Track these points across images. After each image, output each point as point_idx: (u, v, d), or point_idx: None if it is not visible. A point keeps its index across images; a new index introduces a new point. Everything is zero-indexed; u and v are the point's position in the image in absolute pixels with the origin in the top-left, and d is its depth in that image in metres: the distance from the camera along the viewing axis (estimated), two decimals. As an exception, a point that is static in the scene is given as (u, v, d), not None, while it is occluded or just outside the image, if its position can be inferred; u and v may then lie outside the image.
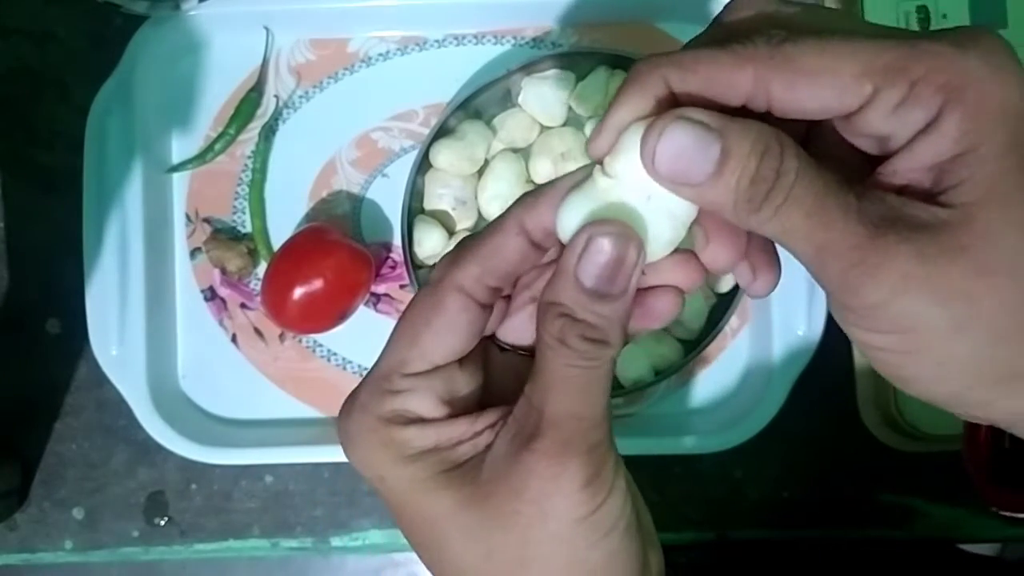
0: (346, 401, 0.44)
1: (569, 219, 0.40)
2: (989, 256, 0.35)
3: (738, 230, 0.41)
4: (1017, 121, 0.36)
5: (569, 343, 0.40)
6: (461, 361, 0.44)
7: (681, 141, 0.37)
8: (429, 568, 0.45)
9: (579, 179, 0.41)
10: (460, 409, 0.44)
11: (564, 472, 0.40)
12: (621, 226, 0.39)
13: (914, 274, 0.35)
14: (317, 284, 0.76)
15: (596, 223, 0.39)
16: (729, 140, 0.36)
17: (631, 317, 0.41)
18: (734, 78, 0.37)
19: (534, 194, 0.43)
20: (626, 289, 0.40)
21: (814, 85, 0.37)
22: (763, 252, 0.43)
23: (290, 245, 0.79)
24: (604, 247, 0.39)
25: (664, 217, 0.40)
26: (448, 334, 0.43)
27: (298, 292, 0.76)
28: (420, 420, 0.43)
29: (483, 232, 0.43)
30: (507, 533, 0.41)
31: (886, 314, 0.36)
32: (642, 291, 0.43)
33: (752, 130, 0.37)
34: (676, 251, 0.41)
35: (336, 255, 0.78)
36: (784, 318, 0.77)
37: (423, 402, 0.43)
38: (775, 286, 0.44)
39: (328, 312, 0.79)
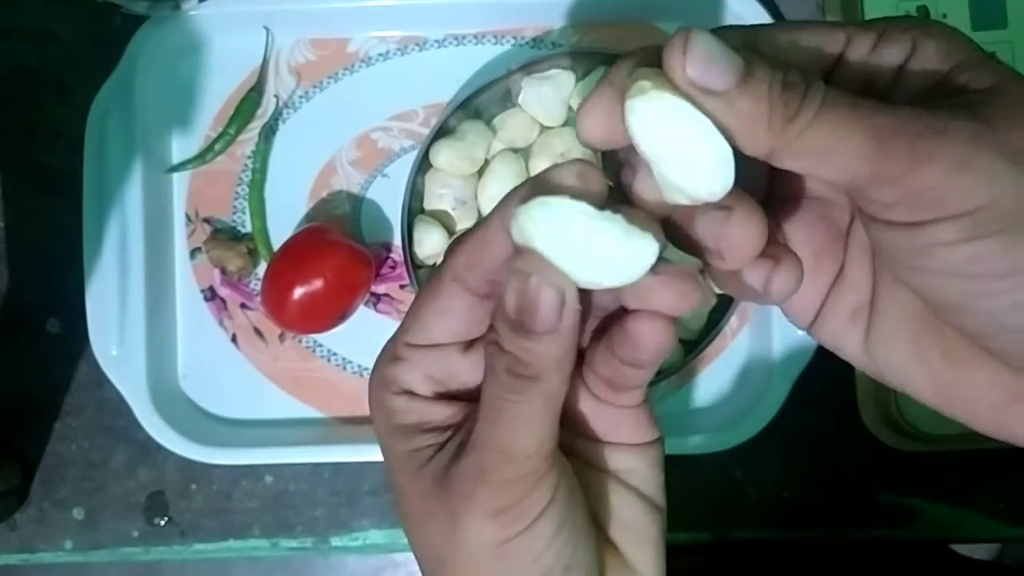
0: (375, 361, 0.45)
1: (520, 230, 0.37)
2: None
3: (754, 207, 0.38)
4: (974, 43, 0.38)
5: (496, 374, 0.38)
6: (467, 348, 0.43)
7: (710, 46, 0.35)
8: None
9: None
10: (454, 394, 0.43)
11: (474, 497, 0.39)
12: (541, 265, 0.37)
13: (982, 133, 0.34)
14: (317, 284, 0.76)
15: (523, 257, 0.37)
16: (751, 58, 0.36)
17: (618, 344, 0.40)
18: None
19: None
20: (554, 328, 0.37)
21: (792, 32, 0.39)
22: (776, 242, 0.40)
23: (290, 245, 0.79)
24: (526, 284, 0.37)
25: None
26: (444, 315, 0.42)
27: (298, 292, 0.76)
28: (410, 393, 0.43)
29: (476, 225, 0.42)
30: (437, 532, 0.41)
31: (959, 186, 0.34)
32: (626, 315, 0.40)
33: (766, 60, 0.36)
34: (661, 270, 0.38)
35: (336, 255, 0.78)
36: (783, 318, 0.77)
37: (414, 375, 0.43)
38: (800, 278, 0.40)
39: (328, 312, 0.79)
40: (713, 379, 0.82)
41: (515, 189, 0.40)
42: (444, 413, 0.43)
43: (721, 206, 0.37)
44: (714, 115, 0.36)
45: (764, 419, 0.77)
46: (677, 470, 0.81)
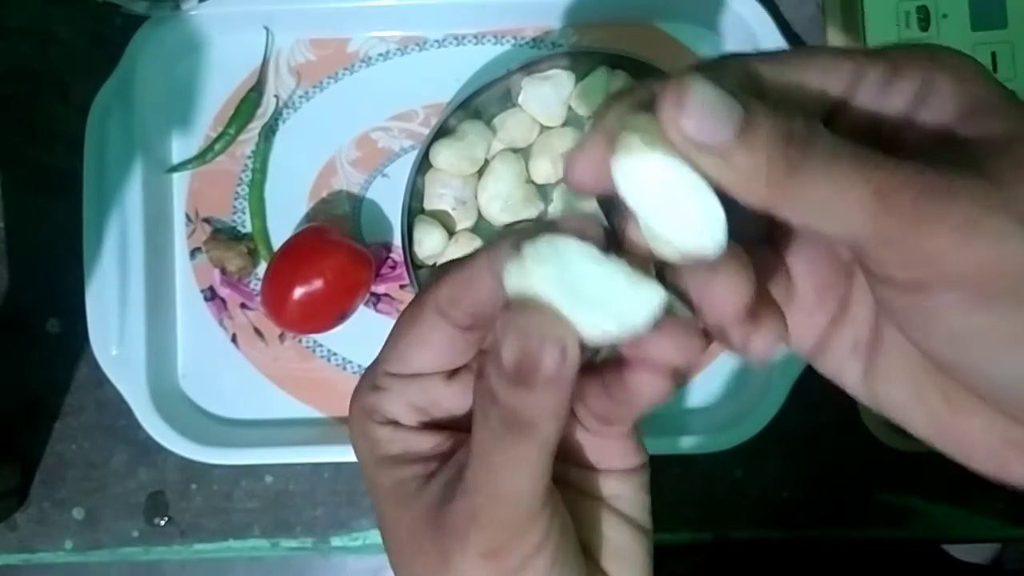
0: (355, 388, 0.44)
1: (512, 280, 0.36)
2: None
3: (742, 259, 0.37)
4: (990, 75, 0.36)
5: (488, 423, 0.37)
6: (451, 376, 0.42)
7: (707, 96, 0.33)
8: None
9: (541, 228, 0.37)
10: (440, 424, 0.43)
11: (466, 539, 0.38)
12: (543, 320, 0.35)
13: (990, 192, 0.32)
14: (317, 284, 0.76)
15: (522, 311, 0.36)
16: (750, 105, 0.34)
17: (614, 389, 0.39)
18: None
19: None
20: (552, 380, 0.36)
21: (797, 71, 0.36)
22: (764, 297, 0.39)
23: (290, 245, 0.79)
24: (528, 341, 0.36)
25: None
26: (423, 346, 0.41)
27: (298, 292, 0.76)
28: (394, 423, 0.42)
29: (462, 259, 0.40)
30: (424, 568, 0.40)
31: (964, 249, 0.32)
32: (623, 363, 0.39)
33: (767, 104, 0.34)
34: (663, 321, 0.36)
35: (336, 255, 0.78)
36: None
37: (397, 405, 0.42)
38: (783, 338, 0.38)
39: (328, 312, 0.79)
40: (713, 379, 0.82)
41: (503, 236, 0.39)
42: (430, 443, 0.42)
43: (708, 264, 0.36)
44: (709, 172, 0.34)
45: (764, 419, 0.77)
46: (677, 470, 0.82)
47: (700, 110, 0.33)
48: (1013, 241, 0.32)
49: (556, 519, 0.40)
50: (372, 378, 0.43)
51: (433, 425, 0.42)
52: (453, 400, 0.43)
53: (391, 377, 0.42)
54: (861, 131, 0.36)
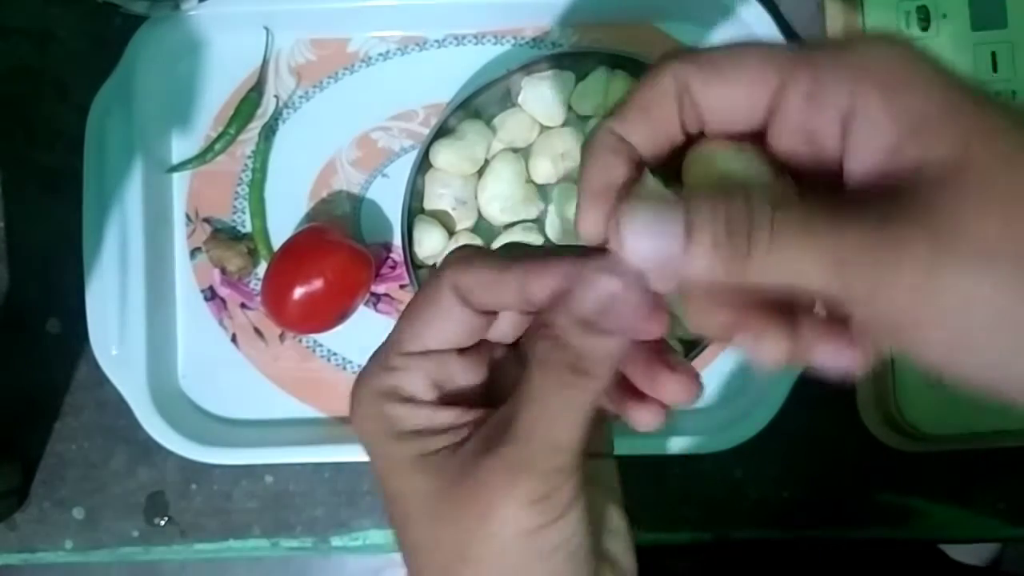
0: (358, 374, 0.45)
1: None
2: (991, 186, 0.33)
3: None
4: (934, 76, 0.35)
5: (551, 367, 0.39)
6: (462, 353, 0.44)
7: (644, 221, 0.36)
8: (396, 540, 0.45)
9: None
10: (454, 399, 0.44)
11: (515, 485, 0.39)
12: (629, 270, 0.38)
13: (941, 234, 0.33)
14: (317, 284, 0.76)
15: (614, 259, 0.38)
16: (690, 201, 0.36)
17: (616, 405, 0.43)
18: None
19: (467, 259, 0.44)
20: (623, 328, 0.39)
21: (726, 83, 0.38)
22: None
23: (290, 245, 0.79)
24: (609, 283, 0.39)
25: None
26: (441, 323, 0.43)
27: (298, 292, 0.76)
28: (412, 400, 0.43)
29: (488, 255, 0.43)
30: (456, 527, 0.41)
31: (929, 300, 0.33)
32: (630, 393, 0.43)
33: (707, 186, 0.37)
34: (679, 367, 0.42)
35: (336, 255, 0.78)
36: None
37: (415, 382, 0.43)
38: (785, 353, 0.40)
39: (328, 312, 0.79)
40: (713, 379, 0.82)
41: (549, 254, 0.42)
42: (450, 417, 0.43)
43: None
44: (669, 280, 0.38)
45: (765, 419, 0.77)
46: (677, 470, 0.82)
47: (644, 239, 0.36)
48: (975, 279, 0.32)
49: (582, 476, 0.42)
50: (384, 360, 0.44)
51: (448, 400, 0.44)
52: (466, 376, 0.45)
53: (405, 357, 0.44)
54: (802, 139, 0.38)
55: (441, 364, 0.44)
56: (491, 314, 0.44)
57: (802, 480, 0.83)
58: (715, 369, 0.82)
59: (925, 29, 0.76)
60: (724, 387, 0.82)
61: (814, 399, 0.78)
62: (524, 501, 0.39)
